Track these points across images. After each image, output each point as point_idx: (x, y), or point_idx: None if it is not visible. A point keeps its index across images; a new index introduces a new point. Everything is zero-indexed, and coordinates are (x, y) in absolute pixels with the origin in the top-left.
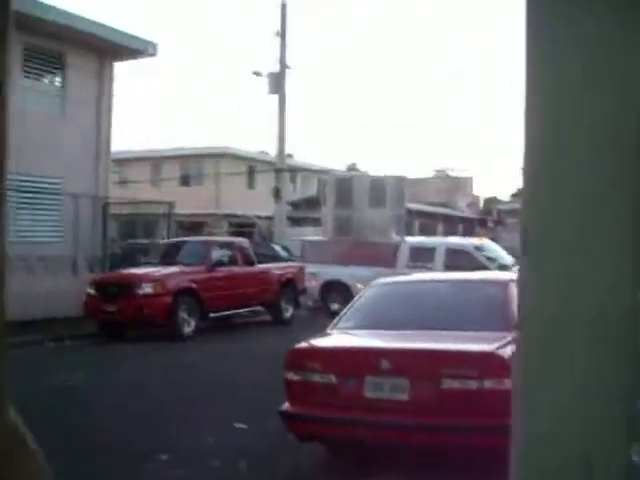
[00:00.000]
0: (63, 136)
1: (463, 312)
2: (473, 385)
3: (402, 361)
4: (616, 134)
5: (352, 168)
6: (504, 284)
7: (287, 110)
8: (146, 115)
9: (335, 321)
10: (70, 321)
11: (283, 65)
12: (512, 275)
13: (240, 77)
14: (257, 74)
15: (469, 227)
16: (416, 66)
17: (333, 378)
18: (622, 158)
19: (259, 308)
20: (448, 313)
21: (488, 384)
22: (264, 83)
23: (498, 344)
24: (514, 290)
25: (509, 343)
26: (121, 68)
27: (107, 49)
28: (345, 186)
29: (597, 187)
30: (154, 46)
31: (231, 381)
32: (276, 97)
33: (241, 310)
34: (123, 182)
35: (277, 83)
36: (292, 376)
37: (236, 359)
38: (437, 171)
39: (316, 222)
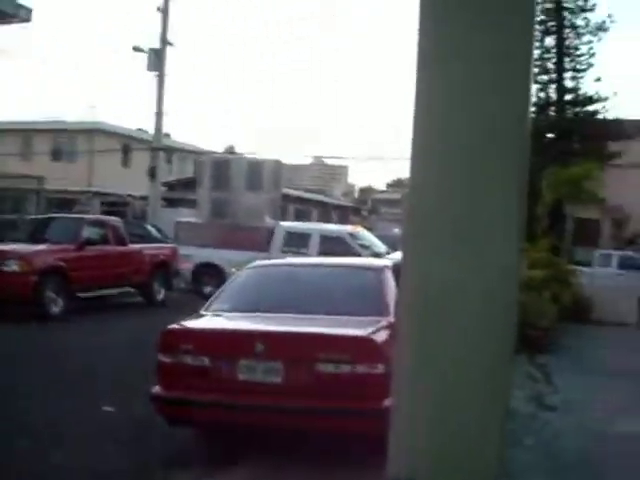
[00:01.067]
0: None
1: (338, 297)
2: (347, 369)
3: (276, 344)
4: (497, 126)
5: (230, 151)
6: (379, 270)
7: (166, 88)
8: (19, 86)
9: (209, 303)
10: None
11: (164, 42)
12: (387, 262)
13: (121, 52)
14: (138, 50)
15: (344, 215)
16: (299, 51)
17: (206, 360)
18: (502, 153)
19: (131, 289)
20: (323, 297)
21: (362, 368)
22: (145, 59)
23: (372, 329)
24: (389, 276)
25: (383, 328)
26: None
27: None
28: (222, 168)
29: (481, 175)
30: (28, 11)
31: (100, 362)
32: (155, 74)
33: (112, 291)
34: None
35: (157, 60)
36: (164, 358)
37: (106, 340)
38: (314, 158)
39: (192, 204)
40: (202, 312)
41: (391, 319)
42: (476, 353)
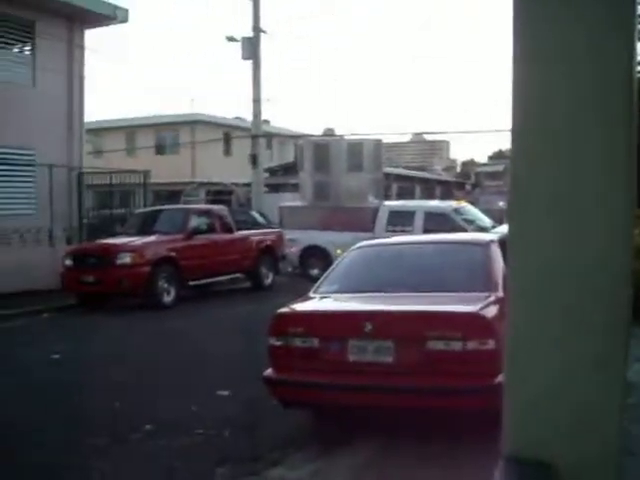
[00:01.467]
0: (34, 106)
1: (445, 273)
2: (458, 346)
3: (385, 323)
4: (600, 91)
5: (329, 133)
6: (485, 245)
7: (262, 75)
8: (119, 84)
9: (317, 285)
10: (48, 294)
11: (257, 30)
12: (493, 236)
13: (214, 43)
14: (231, 39)
15: (447, 190)
16: (393, 30)
17: (316, 342)
18: (606, 119)
19: (239, 275)
20: (430, 275)
21: (472, 345)
22: (238, 49)
23: (481, 304)
24: (496, 250)
25: (492, 303)
26: (92, 36)
27: (76, 15)
28: (322, 151)
29: (585, 142)
30: (125, 12)
31: (212, 348)
32: (250, 63)
33: (221, 278)
34: (98, 152)
35: (251, 48)
36: (275, 341)
37: (217, 326)
38: (414, 135)
39: (294, 188)
40: (310, 294)
41: (500, 294)
42: (589, 326)
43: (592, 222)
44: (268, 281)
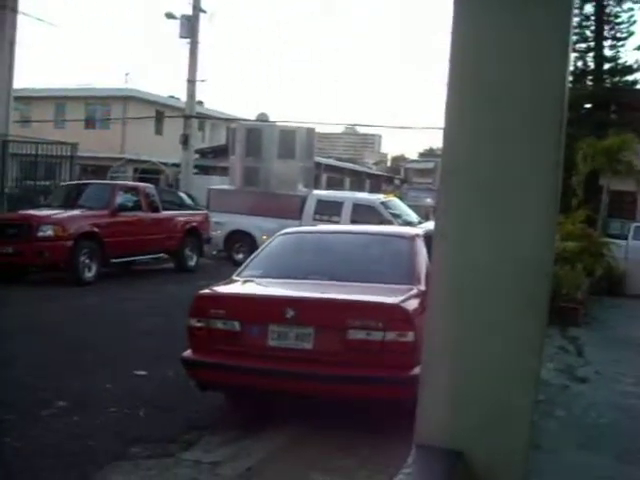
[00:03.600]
0: None
1: (369, 264)
2: (377, 336)
3: (307, 310)
4: (532, 98)
5: (262, 118)
6: (410, 238)
7: (199, 56)
8: (53, 51)
9: (240, 269)
10: None
11: (197, 8)
12: (418, 230)
13: (153, 19)
14: (170, 16)
15: (376, 184)
16: (332, 19)
17: (237, 325)
18: (535, 125)
19: (163, 255)
20: (354, 264)
21: (392, 336)
22: (177, 26)
23: (403, 297)
24: (421, 245)
25: (414, 296)
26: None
27: None
28: (254, 136)
29: (515, 148)
30: None
31: (132, 327)
32: (188, 42)
33: (144, 257)
34: (25, 121)
35: (190, 27)
36: (195, 322)
37: (138, 305)
38: (346, 127)
39: (224, 171)
40: (234, 277)
41: (422, 287)
42: (508, 324)
43: (517, 225)
44: (192, 263)
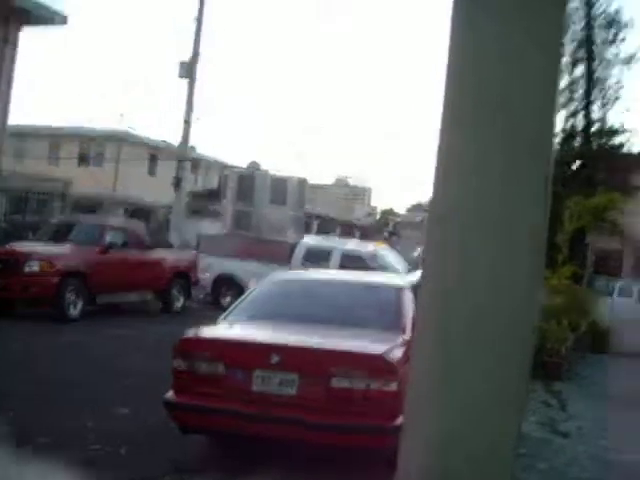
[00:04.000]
0: None
1: (356, 312)
2: (361, 385)
3: (292, 357)
4: (521, 151)
5: (254, 166)
6: (399, 288)
7: (194, 101)
8: (50, 90)
9: (227, 312)
10: None
11: (196, 52)
12: (407, 281)
13: (147, 62)
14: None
15: (365, 235)
16: (324, 73)
17: (221, 368)
18: (526, 176)
19: (150, 296)
20: (341, 312)
21: (376, 385)
22: (174, 70)
23: (388, 346)
24: (408, 295)
25: (399, 346)
26: (28, 37)
27: (12, 14)
28: (247, 182)
29: (503, 200)
30: (64, 17)
31: (116, 366)
32: (185, 83)
33: (131, 296)
34: (19, 156)
35: (188, 69)
36: (180, 364)
37: (122, 345)
38: (337, 179)
39: (215, 214)
40: (220, 320)
41: (407, 337)
42: (491, 375)
43: (506, 277)
44: (179, 304)
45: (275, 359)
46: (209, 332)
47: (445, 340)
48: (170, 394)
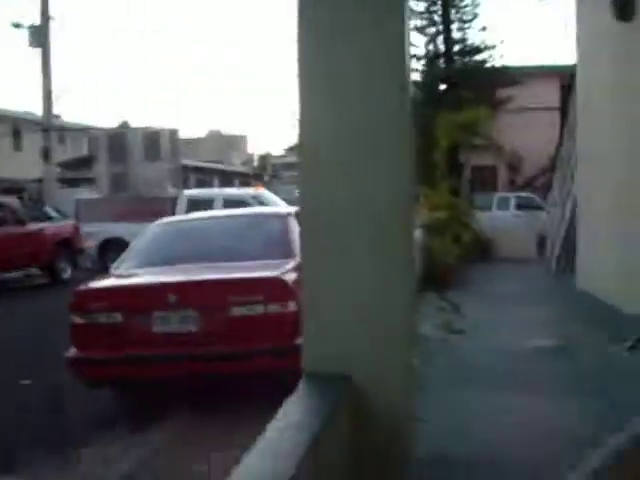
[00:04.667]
0: None
1: (246, 244)
2: (260, 310)
3: (189, 293)
4: (379, 89)
5: (124, 126)
6: (284, 216)
7: (53, 66)
8: None
9: (117, 263)
10: None
11: (46, 16)
12: (291, 209)
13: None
14: (17, 26)
15: (245, 182)
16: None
17: (119, 317)
18: (387, 115)
19: (34, 270)
20: (231, 245)
21: (274, 308)
22: (25, 36)
23: (281, 270)
24: (293, 222)
25: (292, 269)
26: None
27: None
28: (118, 141)
29: (365, 112)
30: None
31: (11, 341)
32: (39, 51)
33: (15, 272)
34: None
35: (40, 35)
36: (77, 319)
37: (14, 321)
38: (210, 131)
39: (89, 182)
40: (111, 272)
41: (299, 260)
42: (381, 250)
43: (375, 188)
44: (66, 275)
45: (172, 298)
46: (101, 283)
47: (329, 228)
48: (72, 350)
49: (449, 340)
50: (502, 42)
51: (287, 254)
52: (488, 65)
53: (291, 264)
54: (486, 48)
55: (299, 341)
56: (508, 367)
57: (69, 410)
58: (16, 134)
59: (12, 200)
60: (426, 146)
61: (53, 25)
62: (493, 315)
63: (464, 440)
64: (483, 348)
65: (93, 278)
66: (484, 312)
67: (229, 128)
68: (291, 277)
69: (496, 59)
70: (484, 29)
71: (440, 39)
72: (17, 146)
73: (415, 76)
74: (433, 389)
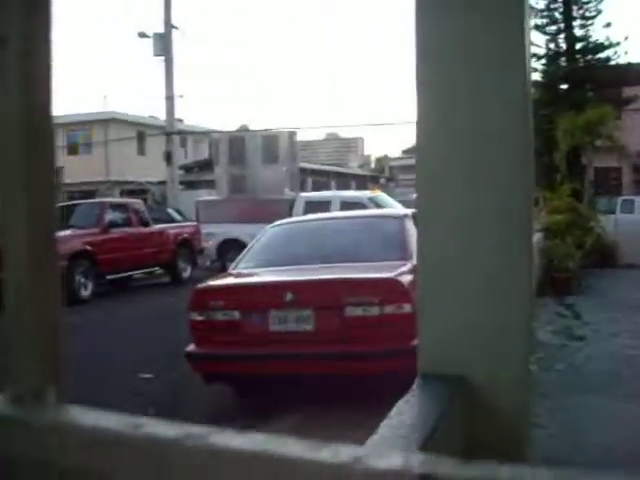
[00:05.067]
0: None
1: (362, 245)
2: (375, 311)
3: (305, 292)
4: (500, 98)
5: (244, 129)
6: (400, 218)
7: (175, 72)
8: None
9: (235, 263)
10: None
11: (169, 25)
12: (407, 211)
13: (124, 39)
14: (143, 35)
15: (362, 184)
16: (305, 24)
17: (237, 315)
18: (505, 112)
19: (157, 270)
20: (347, 247)
21: (389, 309)
22: (150, 45)
23: (397, 271)
24: (410, 223)
25: (408, 271)
26: None
27: None
28: (237, 144)
29: (486, 131)
30: None
31: (134, 336)
32: (162, 59)
33: (139, 271)
34: None
35: (163, 44)
36: (196, 316)
37: (137, 317)
38: (328, 134)
39: (210, 185)
40: (230, 271)
41: (415, 262)
42: (498, 246)
43: (495, 193)
44: (186, 274)
45: (289, 297)
46: (220, 281)
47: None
48: (191, 346)
49: (569, 346)
50: (627, 38)
51: (403, 256)
52: (612, 63)
53: (407, 266)
54: (610, 45)
55: (414, 343)
56: (630, 375)
57: (187, 403)
58: (140, 138)
59: (137, 202)
60: (546, 148)
61: (175, 33)
62: (615, 322)
63: (580, 448)
64: (604, 355)
65: (212, 277)
66: (606, 319)
67: (346, 131)
68: (407, 279)
69: (621, 56)
70: (608, 25)
71: (561, 37)
72: (141, 150)
73: (535, 76)
74: (551, 395)
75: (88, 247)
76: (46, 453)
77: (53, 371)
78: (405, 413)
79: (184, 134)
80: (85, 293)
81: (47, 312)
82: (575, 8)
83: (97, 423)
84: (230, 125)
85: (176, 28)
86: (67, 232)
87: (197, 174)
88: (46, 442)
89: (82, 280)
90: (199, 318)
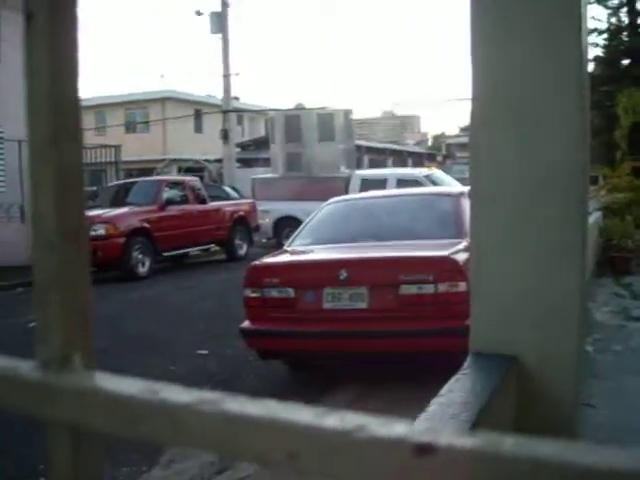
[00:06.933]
0: (1, 81)
1: (417, 223)
2: (430, 289)
3: (359, 270)
4: (553, 69)
5: (300, 107)
6: (456, 196)
7: (231, 50)
8: (88, 61)
9: (291, 240)
10: (21, 269)
11: (225, 4)
12: (463, 189)
13: (181, 18)
14: (199, 14)
15: (418, 162)
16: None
17: (291, 292)
18: (560, 92)
19: (213, 247)
20: (402, 224)
21: (444, 287)
22: (207, 23)
23: (452, 249)
24: (465, 201)
25: (463, 249)
26: None
27: None
28: (293, 123)
29: (541, 110)
30: None
31: (190, 313)
32: (219, 37)
33: (195, 248)
34: None
35: (220, 22)
36: (251, 293)
37: (193, 293)
38: (384, 112)
39: (266, 162)
40: (285, 248)
41: (469, 240)
42: (548, 225)
43: (547, 170)
44: (242, 252)
45: (343, 275)
46: (275, 259)
47: (497, 199)
48: (246, 323)
49: (627, 327)
50: None
51: (459, 234)
52: None
53: (462, 244)
54: None
55: (468, 322)
56: None
57: (241, 379)
58: (198, 117)
59: (194, 179)
60: (606, 125)
61: (231, 12)
62: None
63: (631, 430)
64: None
65: (267, 254)
66: None
67: (403, 109)
68: (462, 257)
69: None
70: None
71: (624, 11)
72: (198, 128)
73: (596, 51)
74: (606, 376)
75: (145, 224)
76: (71, 417)
77: (80, 337)
78: (456, 391)
79: (241, 112)
80: (142, 270)
81: (74, 283)
82: None
83: (118, 388)
84: (286, 103)
85: (228, 5)
86: (125, 209)
87: (253, 152)
88: (71, 406)
89: (139, 257)
90: (254, 295)
